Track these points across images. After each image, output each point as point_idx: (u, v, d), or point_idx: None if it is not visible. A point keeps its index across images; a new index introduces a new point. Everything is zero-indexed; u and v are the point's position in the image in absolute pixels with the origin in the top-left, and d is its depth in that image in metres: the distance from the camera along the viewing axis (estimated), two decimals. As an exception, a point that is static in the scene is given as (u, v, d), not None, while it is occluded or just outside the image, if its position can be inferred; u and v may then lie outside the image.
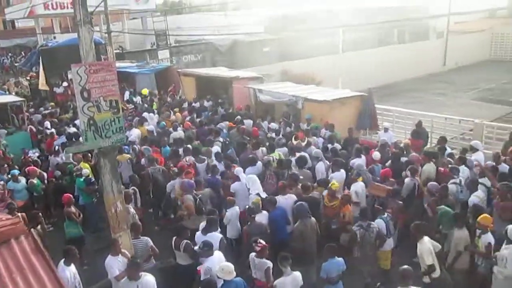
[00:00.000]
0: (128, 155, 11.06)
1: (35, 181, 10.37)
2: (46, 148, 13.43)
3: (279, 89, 15.03)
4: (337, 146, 10.94)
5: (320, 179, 8.92)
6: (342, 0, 34.79)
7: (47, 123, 14.85)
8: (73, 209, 8.60)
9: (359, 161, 9.53)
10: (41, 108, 18.20)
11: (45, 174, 10.99)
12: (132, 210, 8.31)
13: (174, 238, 7.06)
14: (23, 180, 10.37)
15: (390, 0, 34.80)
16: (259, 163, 9.71)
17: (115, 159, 6.86)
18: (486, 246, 6.46)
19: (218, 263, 5.94)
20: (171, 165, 10.17)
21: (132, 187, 9.24)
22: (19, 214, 7.93)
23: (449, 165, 9.03)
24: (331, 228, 7.82)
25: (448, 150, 10.14)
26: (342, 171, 9.20)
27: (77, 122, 14.19)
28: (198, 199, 8.33)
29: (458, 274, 6.83)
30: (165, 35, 26.32)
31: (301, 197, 8.07)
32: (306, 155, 9.88)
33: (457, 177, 8.44)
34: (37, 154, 12.63)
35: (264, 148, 10.72)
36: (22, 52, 38.95)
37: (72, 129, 13.63)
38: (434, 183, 8.41)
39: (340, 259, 6.54)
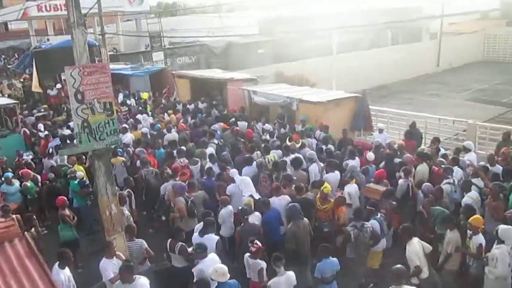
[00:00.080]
0: (122, 158, 11.03)
1: (28, 184, 10.31)
2: (40, 150, 13.37)
3: (274, 90, 15.05)
4: (331, 147, 10.97)
5: (315, 181, 8.93)
6: (336, 2, 34.93)
7: (41, 126, 14.77)
8: (67, 212, 8.56)
9: (352, 163, 9.57)
10: (34, 111, 18.11)
11: (38, 177, 10.93)
12: (126, 212, 8.30)
13: (169, 240, 7.04)
14: (16, 183, 10.31)
15: (384, 2, 34.93)
16: (255, 163, 9.74)
17: (109, 161, 6.84)
18: (477, 247, 6.48)
19: (211, 265, 5.93)
20: (166, 167, 10.15)
21: (127, 190, 9.22)
22: (14, 216, 7.89)
23: (443, 166, 9.08)
24: (323, 231, 7.83)
25: (442, 151, 10.20)
26: (337, 172, 9.23)
27: (71, 124, 14.16)
28: (189, 202, 8.32)
29: (449, 275, 6.86)
30: (160, 37, 26.29)
31: (294, 198, 8.10)
32: (301, 156, 9.90)
33: (451, 177, 8.49)
34: (30, 157, 12.57)
35: (258, 152, 10.72)
36: (16, 54, 38.66)
37: (67, 131, 13.57)
38: (429, 184, 8.48)
39: (335, 259, 6.58)
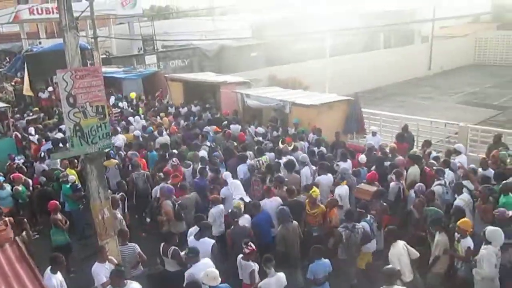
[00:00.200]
0: (116, 161, 10.99)
1: (20, 188, 10.21)
2: (32, 154, 13.27)
3: (267, 94, 15.08)
4: (323, 149, 11.01)
5: (307, 184, 8.94)
6: (329, 5, 35.07)
7: (31, 129, 14.68)
8: (59, 216, 8.50)
9: (344, 165, 9.61)
10: (25, 114, 17.99)
11: (30, 181, 10.84)
12: (119, 215, 8.25)
13: (162, 244, 7.01)
14: (8, 187, 10.21)
15: (376, 5, 35.13)
16: (248, 165, 9.77)
17: (102, 165, 6.81)
18: (466, 250, 6.49)
19: (203, 270, 5.91)
20: (157, 171, 10.14)
21: (121, 193, 9.18)
22: (7, 218, 7.83)
23: (434, 168, 9.15)
24: (313, 236, 7.83)
25: (433, 154, 10.28)
26: (329, 175, 9.25)
27: (62, 127, 14.07)
28: (177, 205, 8.31)
29: (436, 278, 6.88)
30: (152, 40, 26.25)
31: (286, 201, 8.13)
32: (294, 159, 9.92)
33: (442, 179, 8.55)
34: (22, 161, 12.46)
35: (251, 152, 10.73)
36: (7, 58, 38.41)
37: (59, 135, 13.48)
38: (421, 184, 8.53)
39: (327, 260, 6.63)
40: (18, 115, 17.87)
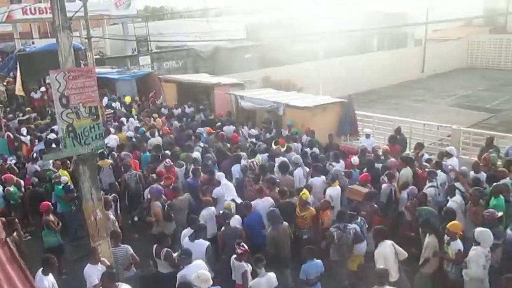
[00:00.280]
0: (110, 161, 10.94)
1: (11, 189, 10.13)
2: (25, 155, 13.18)
3: (261, 95, 15.10)
4: (316, 150, 11.02)
5: (300, 187, 8.93)
6: (323, 8, 35.20)
7: (23, 130, 14.58)
8: (51, 217, 8.43)
9: (337, 166, 9.64)
10: (21, 114, 17.86)
11: (22, 182, 10.76)
12: (112, 216, 8.22)
13: (155, 246, 6.99)
14: (-1, 188, 10.15)
15: (370, 8, 35.30)
16: (241, 166, 9.77)
17: (94, 166, 6.77)
18: (456, 253, 6.50)
19: (196, 271, 5.89)
20: (150, 171, 10.11)
21: (113, 194, 9.14)
22: (-1, 218, 7.77)
23: (426, 169, 9.22)
24: (302, 239, 7.83)
25: (426, 156, 10.34)
26: (323, 177, 9.26)
27: (55, 127, 13.99)
28: (166, 206, 8.30)
29: (424, 278, 6.89)
30: (146, 41, 26.18)
31: (278, 202, 8.13)
32: (287, 160, 9.93)
33: (434, 180, 8.60)
34: (14, 161, 12.37)
35: (244, 153, 10.73)
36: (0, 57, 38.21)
37: (52, 135, 13.40)
38: (414, 187, 8.60)
39: (319, 261, 6.66)
40: (11, 115, 17.76)
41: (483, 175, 8.74)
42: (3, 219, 8.02)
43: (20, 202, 10.24)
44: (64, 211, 9.76)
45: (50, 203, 8.78)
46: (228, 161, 10.43)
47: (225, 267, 6.95)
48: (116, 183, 9.80)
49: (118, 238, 7.17)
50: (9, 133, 14.70)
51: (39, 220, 8.68)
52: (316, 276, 6.59)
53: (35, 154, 11.91)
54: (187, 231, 7.27)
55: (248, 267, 6.36)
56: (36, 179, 10.71)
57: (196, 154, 10.80)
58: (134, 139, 12.85)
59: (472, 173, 8.92)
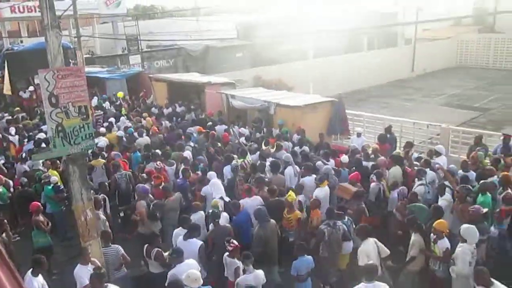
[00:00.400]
0: (103, 160, 10.85)
1: (0, 189, 10.02)
2: (14, 155, 13.04)
3: (252, 94, 15.09)
4: (306, 148, 11.04)
5: (289, 187, 8.92)
6: (314, 7, 35.30)
7: (12, 129, 14.43)
8: (41, 217, 8.36)
9: (327, 165, 9.66)
10: (6, 114, 17.66)
11: (11, 182, 10.64)
12: (102, 216, 8.17)
13: (145, 246, 6.97)
14: (-13, 188, 10.02)
15: (360, 7, 35.48)
16: (231, 166, 9.79)
17: (84, 166, 6.72)
18: (444, 251, 6.55)
19: (186, 271, 5.87)
20: (140, 172, 10.07)
21: (101, 195, 9.07)
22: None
23: (415, 168, 9.30)
24: (288, 241, 7.83)
25: (414, 155, 10.43)
26: (314, 176, 9.27)
27: (43, 127, 13.87)
28: (151, 205, 8.29)
29: (410, 275, 6.95)
30: (137, 40, 26.06)
31: (267, 200, 8.14)
32: (278, 160, 9.94)
33: (424, 178, 8.67)
34: (2, 161, 12.23)
35: (235, 156, 10.72)
36: (-13, 56, 37.74)
37: (41, 135, 13.27)
38: (404, 187, 8.68)
39: (309, 257, 6.73)
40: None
41: (471, 174, 8.83)
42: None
43: (9, 202, 10.12)
44: (54, 211, 9.67)
45: (39, 204, 8.70)
46: (219, 162, 10.43)
47: (217, 266, 6.94)
48: (106, 183, 9.71)
49: (109, 238, 7.13)
50: (-3, 133, 14.55)
51: (29, 220, 8.60)
52: (307, 272, 6.68)
53: (24, 154, 11.78)
54: (180, 231, 7.25)
55: (240, 264, 6.38)
56: (25, 179, 10.60)
57: (187, 154, 10.77)
58: (125, 139, 12.77)
59: (460, 171, 9.01)
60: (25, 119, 16.87)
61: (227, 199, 8.47)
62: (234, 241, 6.48)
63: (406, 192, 8.57)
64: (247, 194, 8.28)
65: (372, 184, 8.79)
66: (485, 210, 7.12)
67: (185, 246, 6.68)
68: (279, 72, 24.59)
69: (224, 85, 16.74)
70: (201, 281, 5.74)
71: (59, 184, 9.86)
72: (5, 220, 8.20)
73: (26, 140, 13.37)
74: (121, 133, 13.21)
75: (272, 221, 7.42)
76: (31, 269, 6.14)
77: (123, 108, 17.51)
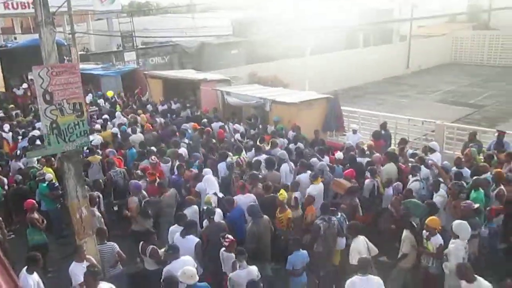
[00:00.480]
0: (100, 157, 10.81)
1: (-6, 187, 9.98)
2: (9, 152, 12.97)
3: (247, 91, 15.08)
4: (301, 145, 11.06)
5: (285, 184, 8.89)
6: (309, 4, 35.28)
7: (6, 126, 14.35)
8: (36, 215, 8.32)
9: (322, 161, 9.68)
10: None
11: (5, 180, 10.59)
12: (97, 213, 8.15)
13: (141, 243, 6.97)
14: (-19, 186, 9.96)
15: (355, 4, 35.51)
16: (226, 164, 9.76)
17: (79, 163, 6.70)
18: (438, 247, 6.58)
19: (181, 267, 5.87)
20: (135, 168, 10.05)
21: (96, 192, 9.03)
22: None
23: (410, 164, 9.34)
24: (280, 239, 7.83)
25: (409, 151, 10.47)
26: (309, 172, 9.29)
27: (37, 124, 13.80)
28: (143, 202, 8.28)
29: (402, 272, 7.00)
30: (132, 37, 25.94)
31: (262, 197, 8.14)
32: (273, 157, 9.95)
33: (418, 174, 8.71)
34: (-4, 159, 12.16)
35: (230, 153, 10.72)
36: (-19, 53, 37.50)
37: (36, 132, 13.21)
38: (399, 183, 8.70)
39: (305, 251, 6.78)
40: (-7, 112, 17.47)
41: (465, 170, 8.86)
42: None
43: (3, 200, 10.07)
44: (49, 209, 9.63)
45: (34, 201, 8.67)
46: (213, 160, 10.44)
47: (213, 263, 6.96)
48: (100, 180, 9.68)
49: (104, 236, 7.12)
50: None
51: (23, 218, 8.56)
52: (302, 266, 6.73)
53: (18, 152, 11.72)
54: (175, 228, 7.25)
55: None
56: (20, 177, 10.54)
57: (182, 150, 10.76)
58: (119, 136, 12.73)
59: (454, 168, 9.05)
60: (19, 116, 16.79)
61: (220, 195, 8.46)
62: (230, 236, 6.51)
63: (401, 188, 8.60)
64: (241, 191, 8.29)
65: (367, 181, 8.81)
66: (476, 205, 7.17)
67: (182, 243, 6.68)
68: (275, 69, 24.57)
69: (219, 82, 16.72)
70: (197, 278, 5.75)
71: (54, 181, 9.82)
72: (0, 218, 8.16)
73: (20, 137, 13.31)
74: (116, 130, 13.17)
75: (265, 217, 7.43)
76: (26, 267, 6.11)
77: (117, 105, 17.46)
